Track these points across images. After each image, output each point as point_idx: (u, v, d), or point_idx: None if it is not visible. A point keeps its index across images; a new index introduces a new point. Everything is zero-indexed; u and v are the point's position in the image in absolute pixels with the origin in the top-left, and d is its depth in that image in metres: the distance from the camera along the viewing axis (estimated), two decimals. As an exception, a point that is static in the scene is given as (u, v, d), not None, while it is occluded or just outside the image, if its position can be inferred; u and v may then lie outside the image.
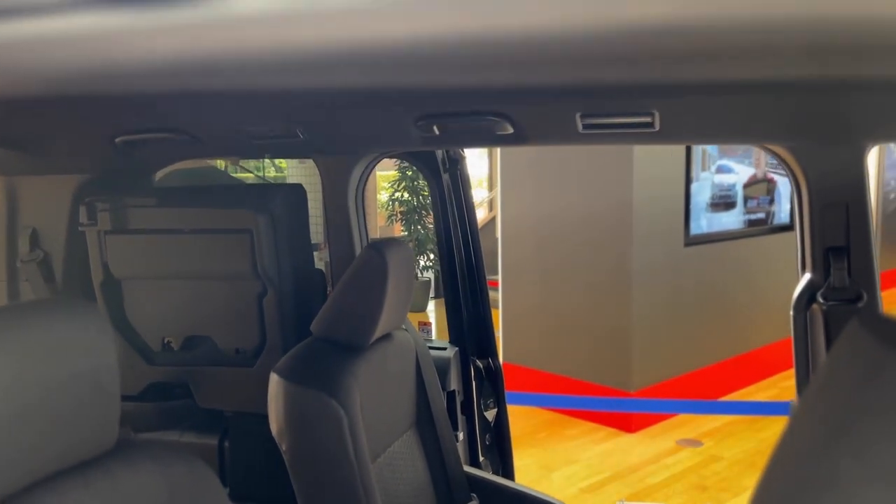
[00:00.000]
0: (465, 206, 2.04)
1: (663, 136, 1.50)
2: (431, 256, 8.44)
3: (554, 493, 4.08)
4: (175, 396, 2.17)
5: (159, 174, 2.32)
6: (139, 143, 1.85)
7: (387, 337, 1.68)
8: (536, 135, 1.56)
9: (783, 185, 5.70)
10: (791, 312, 1.57)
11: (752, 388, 5.53)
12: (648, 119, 1.40)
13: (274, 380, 1.44)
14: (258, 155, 1.82)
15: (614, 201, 4.66)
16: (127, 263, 1.98)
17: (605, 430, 4.73)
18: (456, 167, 2.01)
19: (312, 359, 1.47)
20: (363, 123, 1.61)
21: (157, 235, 1.94)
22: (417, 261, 8.44)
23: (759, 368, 5.63)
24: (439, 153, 2.01)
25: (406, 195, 8.36)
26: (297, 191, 1.96)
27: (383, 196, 8.88)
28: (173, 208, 1.92)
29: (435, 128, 1.52)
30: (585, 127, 1.47)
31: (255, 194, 1.91)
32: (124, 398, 2.15)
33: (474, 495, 1.81)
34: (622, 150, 4.56)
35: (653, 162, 4.64)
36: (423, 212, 8.38)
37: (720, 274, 5.21)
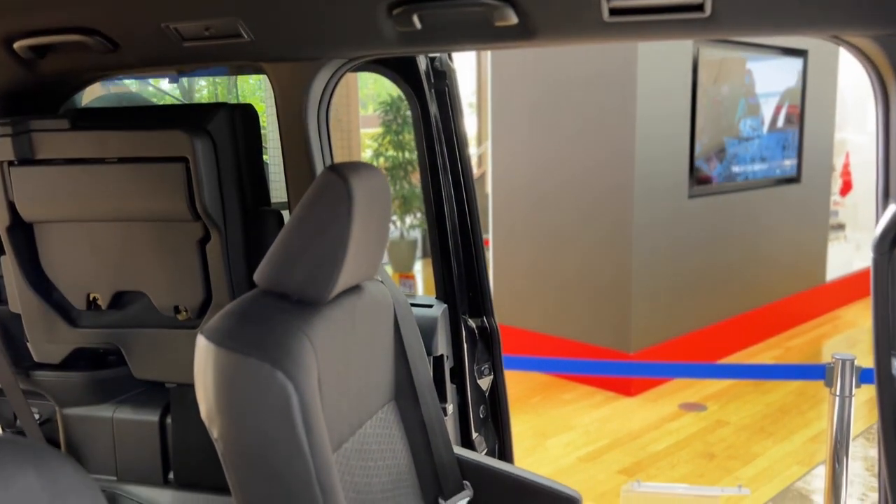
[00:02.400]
0: (455, 131, 1.67)
1: (714, 25, 1.15)
2: (418, 215, 8.11)
3: (550, 463, 3.80)
4: (108, 365, 1.83)
5: (84, 101, 1.94)
6: (44, 51, 1.48)
7: (355, 290, 1.32)
8: (547, 27, 1.19)
9: (793, 135, 5.37)
10: (872, 254, 1.23)
11: (756, 347, 5.27)
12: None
13: (201, 344, 1.09)
14: (192, 62, 1.44)
15: (615, 150, 4.31)
16: (38, 203, 1.61)
17: (602, 394, 4.45)
18: (444, 82, 1.63)
19: (253, 317, 1.11)
20: (322, 15, 1.24)
21: (72, 167, 1.57)
22: (403, 219, 8.14)
23: (764, 327, 5.37)
24: (423, 63, 1.63)
25: (391, 150, 8.01)
26: (246, 110, 1.58)
27: (367, 153, 8.53)
28: (91, 132, 1.54)
29: (415, 19, 1.16)
30: (613, 13, 1.12)
31: (190, 113, 1.54)
32: (46, 367, 1.80)
33: (467, 483, 1.48)
34: (625, 93, 4.19)
35: (657, 107, 4.28)
36: (410, 167, 8.03)
37: (724, 228, 4.91)
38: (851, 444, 2.33)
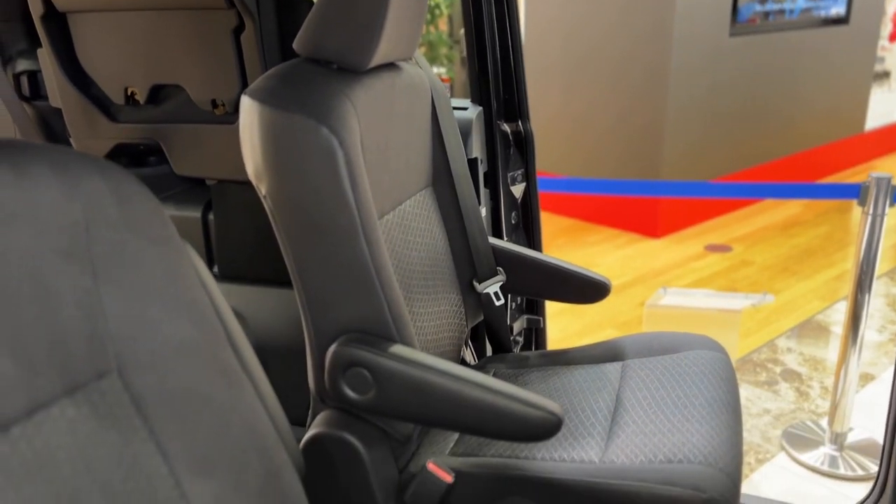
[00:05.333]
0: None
1: None
2: (446, 62, 7.88)
3: (574, 296, 3.92)
4: (150, 163, 1.87)
5: None
6: None
7: (394, 68, 1.31)
8: None
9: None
10: None
11: (786, 195, 5.23)
12: None
13: (245, 104, 1.10)
14: None
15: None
16: None
17: (627, 236, 4.49)
18: None
19: (296, 79, 1.11)
20: None
21: None
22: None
23: (798, 174, 5.30)
24: None
25: (417, -8, 7.65)
26: None
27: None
28: None
29: None
30: None
31: None
32: (89, 164, 1.85)
33: (500, 269, 1.53)
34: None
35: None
36: (437, 11, 7.71)
37: (765, 69, 4.73)
38: (875, 281, 2.34)
